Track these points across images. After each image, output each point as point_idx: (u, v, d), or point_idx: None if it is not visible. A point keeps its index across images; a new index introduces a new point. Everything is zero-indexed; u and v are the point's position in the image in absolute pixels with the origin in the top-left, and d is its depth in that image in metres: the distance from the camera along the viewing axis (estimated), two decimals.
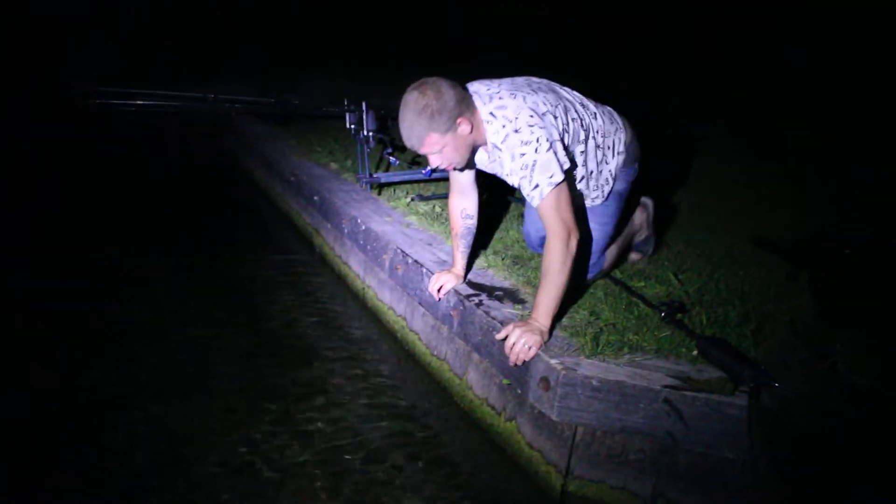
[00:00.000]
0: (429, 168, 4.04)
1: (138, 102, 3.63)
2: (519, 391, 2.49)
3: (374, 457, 2.62)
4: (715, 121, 7.21)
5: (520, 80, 2.50)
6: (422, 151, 2.33)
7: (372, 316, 3.75)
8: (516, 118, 2.25)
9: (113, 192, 6.01)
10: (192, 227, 5.25)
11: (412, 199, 3.98)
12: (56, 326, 3.47)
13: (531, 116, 2.25)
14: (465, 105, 2.27)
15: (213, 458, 2.56)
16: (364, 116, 3.89)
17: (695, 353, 2.33)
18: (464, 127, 2.27)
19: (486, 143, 2.41)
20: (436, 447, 2.67)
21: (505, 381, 2.56)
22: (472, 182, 2.71)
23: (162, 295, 3.96)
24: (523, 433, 2.54)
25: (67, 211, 5.32)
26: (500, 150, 2.31)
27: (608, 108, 2.71)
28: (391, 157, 3.93)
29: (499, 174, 2.55)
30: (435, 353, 3.10)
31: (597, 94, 2.74)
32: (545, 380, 2.26)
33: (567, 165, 2.28)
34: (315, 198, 4.48)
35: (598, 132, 2.56)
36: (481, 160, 2.55)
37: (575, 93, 2.60)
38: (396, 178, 4.13)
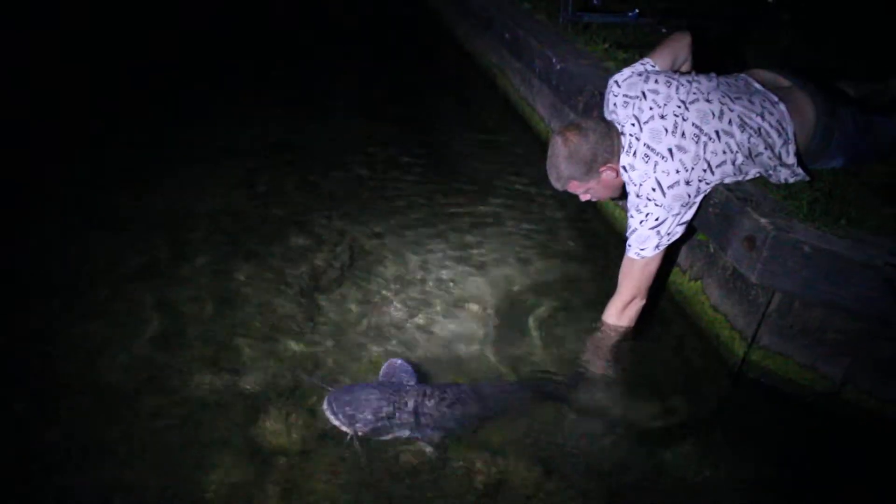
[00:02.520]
0: (635, 11, 3.74)
1: None
2: (713, 249, 2.34)
3: (541, 292, 2.64)
4: None
5: (671, 117, 2.20)
6: (569, 190, 2.37)
7: None
8: (641, 185, 2.20)
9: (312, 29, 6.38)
10: (374, 63, 5.32)
11: (609, 46, 3.71)
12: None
13: (653, 190, 2.18)
14: (610, 152, 2.27)
15: (390, 271, 2.72)
16: None
17: None
18: (608, 174, 2.29)
19: None
20: (608, 295, 2.55)
21: (700, 237, 2.41)
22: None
23: (345, 117, 4.21)
24: (708, 294, 2.41)
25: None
26: (629, 191, 2.29)
27: (782, 110, 2.25)
28: None
29: None
30: (620, 203, 2.97)
31: None
32: (750, 239, 2.09)
33: (668, 241, 2.21)
34: (506, 35, 4.30)
35: (756, 156, 2.23)
36: None
37: (739, 111, 2.21)
38: (600, 19, 3.85)
